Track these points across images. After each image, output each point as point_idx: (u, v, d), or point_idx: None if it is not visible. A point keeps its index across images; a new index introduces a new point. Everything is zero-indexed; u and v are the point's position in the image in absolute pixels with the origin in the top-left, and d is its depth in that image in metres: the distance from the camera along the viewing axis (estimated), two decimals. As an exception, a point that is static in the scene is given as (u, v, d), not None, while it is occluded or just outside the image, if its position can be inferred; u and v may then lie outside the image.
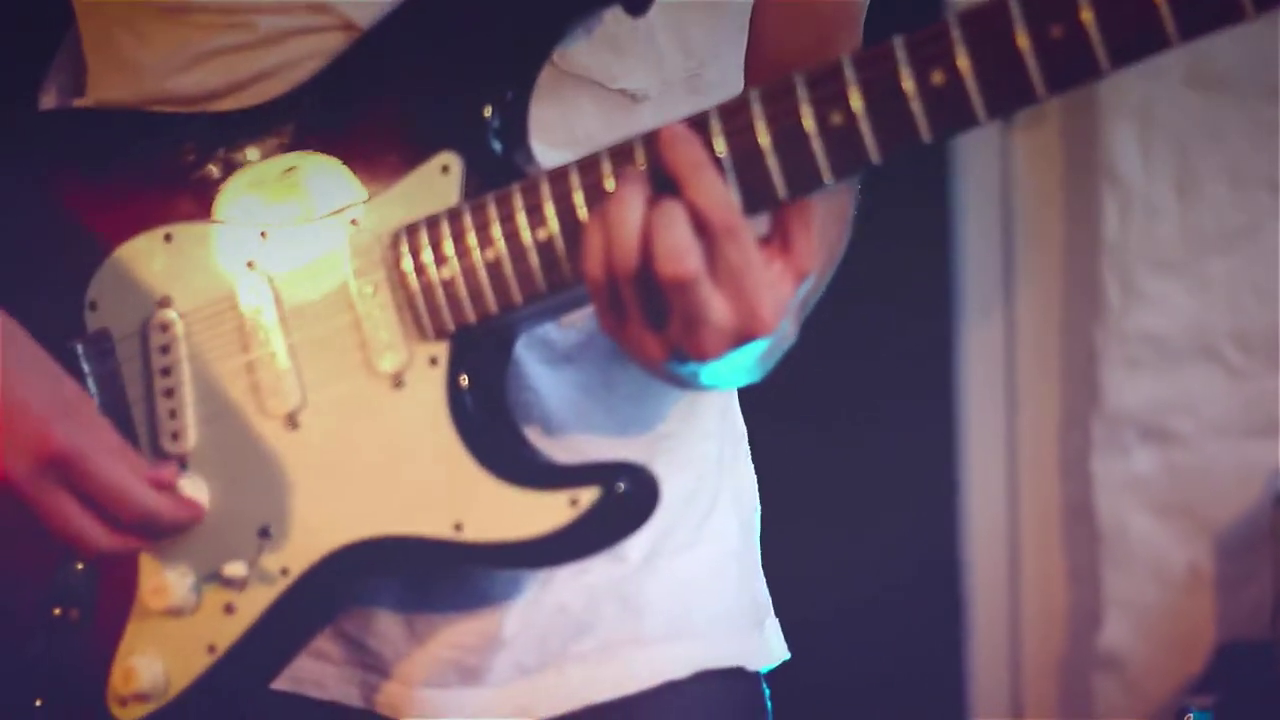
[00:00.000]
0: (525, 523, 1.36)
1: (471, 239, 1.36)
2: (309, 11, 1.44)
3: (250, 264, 1.43)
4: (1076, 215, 3.22)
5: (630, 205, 1.27)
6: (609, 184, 1.31)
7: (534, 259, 1.34)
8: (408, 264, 1.38)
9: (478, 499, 1.37)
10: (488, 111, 1.38)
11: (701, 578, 1.56)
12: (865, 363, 3.29)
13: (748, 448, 1.65)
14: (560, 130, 1.45)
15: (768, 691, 1.60)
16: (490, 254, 1.35)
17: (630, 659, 1.52)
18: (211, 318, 1.44)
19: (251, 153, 1.45)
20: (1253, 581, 3.15)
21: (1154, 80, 3.09)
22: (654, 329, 1.29)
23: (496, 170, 1.37)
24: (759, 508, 1.64)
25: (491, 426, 1.39)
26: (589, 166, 1.32)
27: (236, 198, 1.45)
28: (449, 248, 1.37)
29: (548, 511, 1.36)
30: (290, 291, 1.42)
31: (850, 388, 3.24)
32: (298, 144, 1.43)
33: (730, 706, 1.57)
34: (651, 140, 1.29)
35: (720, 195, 1.25)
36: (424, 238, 1.37)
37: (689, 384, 1.35)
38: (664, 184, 1.27)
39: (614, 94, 1.47)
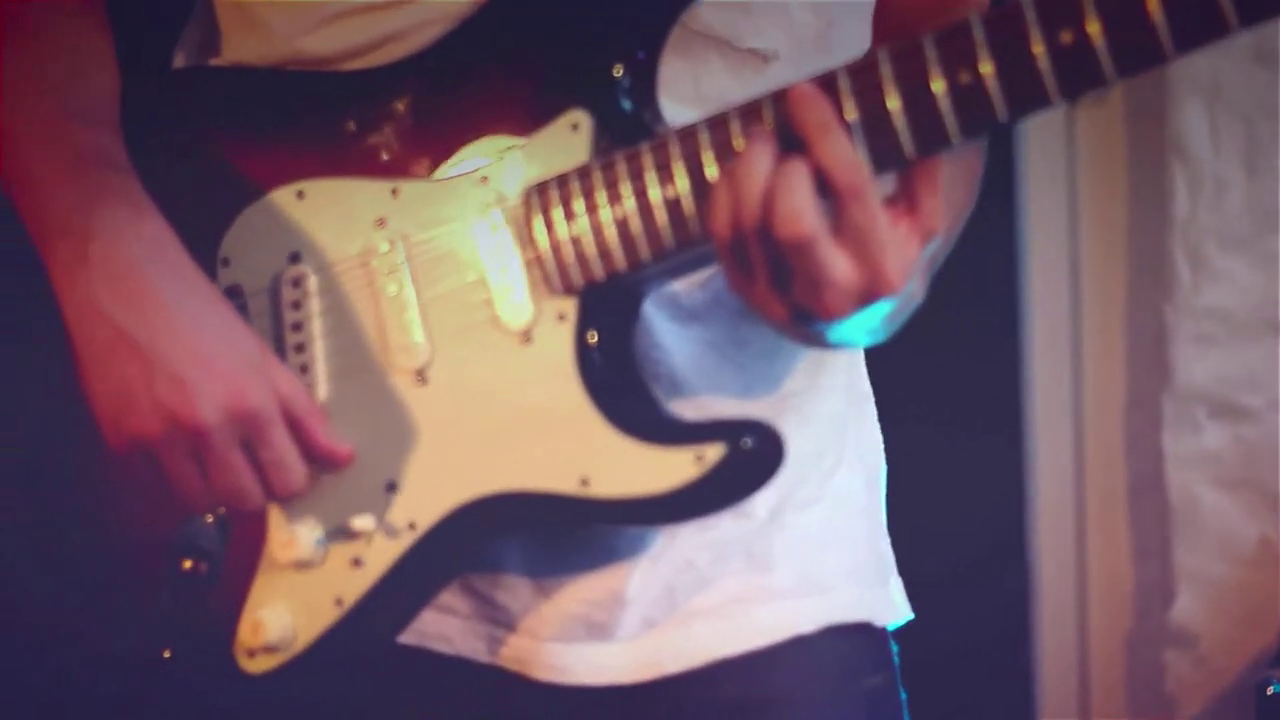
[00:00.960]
0: (651, 479, 1.38)
1: (601, 197, 1.38)
2: None
3: (381, 221, 1.45)
4: (1143, 192, 3.23)
5: (756, 165, 1.28)
6: (737, 143, 1.32)
7: (662, 217, 1.36)
8: (537, 221, 1.40)
9: (604, 455, 1.39)
10: (618, 70, 1.39)
11: (828, 533, 1.57)
12: (932, 342, 3.29)
13: (874, 408, 1.66)
14: (688, 88, 1.46)
15: (895, 648, 1.61)
16: (619, 211, 1.37)
17: (757, 614, 1.53)
18: (342, 273, 1.46)
19: (383, 110, 1.46)
20: (1325, 555, 3.16)
21: (1222, 57, 3.09)
22: (780, 288, 1.30)
23: (626, 128, 1.39)
24: (885, 466, 1.65)
25: (619, 383, 1.41)
26: (717, 125, 1.33)
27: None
28: (578, 205, 1.38)
29: (674, 468, 1.37)
30: (420, 248, 1.44)
31: (917, 367, 3.24)
32: (428, 102, 1.45)
33: (858, 661, 1.57)
34: (780, 99, 1.30)
35: (847, 155, 1.26)
36: (554, 195, 1.39)
37: (816, 342, 1.37)
38: (791, 143, 1.28)
39: (742, 53, 1.48)
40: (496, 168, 1.42)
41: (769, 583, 1.54)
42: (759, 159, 1.28)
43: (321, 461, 1.44)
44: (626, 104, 1.39)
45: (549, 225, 1.39)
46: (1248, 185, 3.16)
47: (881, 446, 1.66)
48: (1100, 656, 3.36)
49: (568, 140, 1.40)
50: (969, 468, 3.31)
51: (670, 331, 1.49)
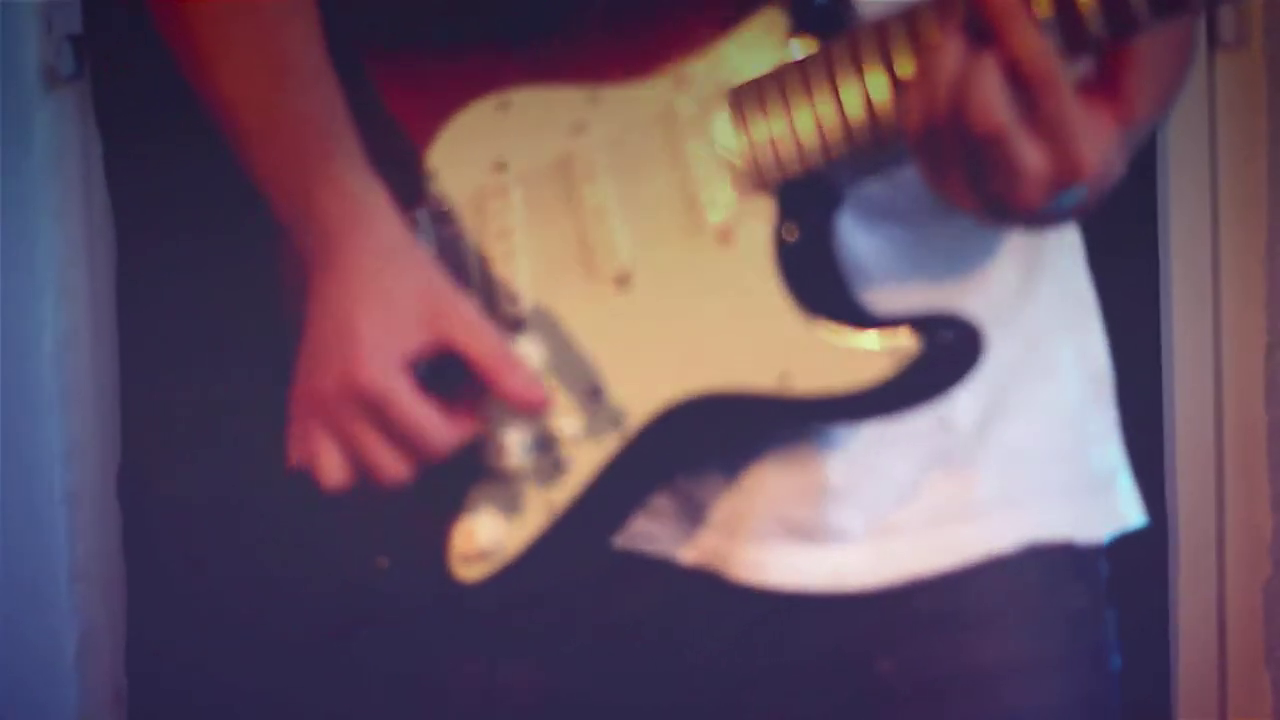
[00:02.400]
0: (849, 373, 1.41)
1: (797, 96, 1.40)
2: None
3: (581, 126, 1.48)
4: (1283, 136, 3.22)
5: (947, 60, 1.30)
6: (929, 36, 1.33)
7: (857, 115, 1.38)
8: (735, 122, 1.42)
9: (804, 351, 1.42)
10: None
11: (1033, 446, 1.57)
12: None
13: (1097, 320, 1.67)
14: None
15: (1106, 567, 1.63)
16: (815, 111, 1.40)
17: (955, 532, 1.54)
18: (545, 180, 1.49)
19: (580, 15, 1.48)
20: None
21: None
22: (973, 181, 1.32)
23: (821, 23, 1.41)
24: (1110, 372, 1.65)
25: (818, 279, 1.44)
26: (911, 19, 1.35)
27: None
28: (775, 104, 1.41)
29: (874, 362, 1.40)
30: (619, 152, 1.47)
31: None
32: (617, 6, 1.47)
33: (1059, 582, 1.57)
34: None
35: (1036, 44, 1.27)
36: (750, 95, 1.42)
37: (1013, 226, 1.38)
38: (982, 36, 1.30)
39: None
40: (693, 68, 1.44)
41: (968, 498, 1.54)
42: (949, 54, 1.30)
43: (516, 410, 1.46)
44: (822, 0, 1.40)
45: (746, 125, 1.42)
46: (1394, 125, 3.15)
47: (1104, 355, 1.66)
48: (1238, 605, 3.35)
49: (764, 38, 1.42)
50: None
51: (860, 231, 1.50)
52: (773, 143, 1.41)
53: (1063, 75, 1.28)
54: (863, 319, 1.43)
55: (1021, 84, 1.28)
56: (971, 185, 1.32)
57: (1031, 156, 1.28)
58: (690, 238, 1.45)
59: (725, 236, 1.44)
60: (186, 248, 2.84)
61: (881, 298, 1.48)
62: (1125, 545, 3.30)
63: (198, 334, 2.83)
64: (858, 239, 1.50)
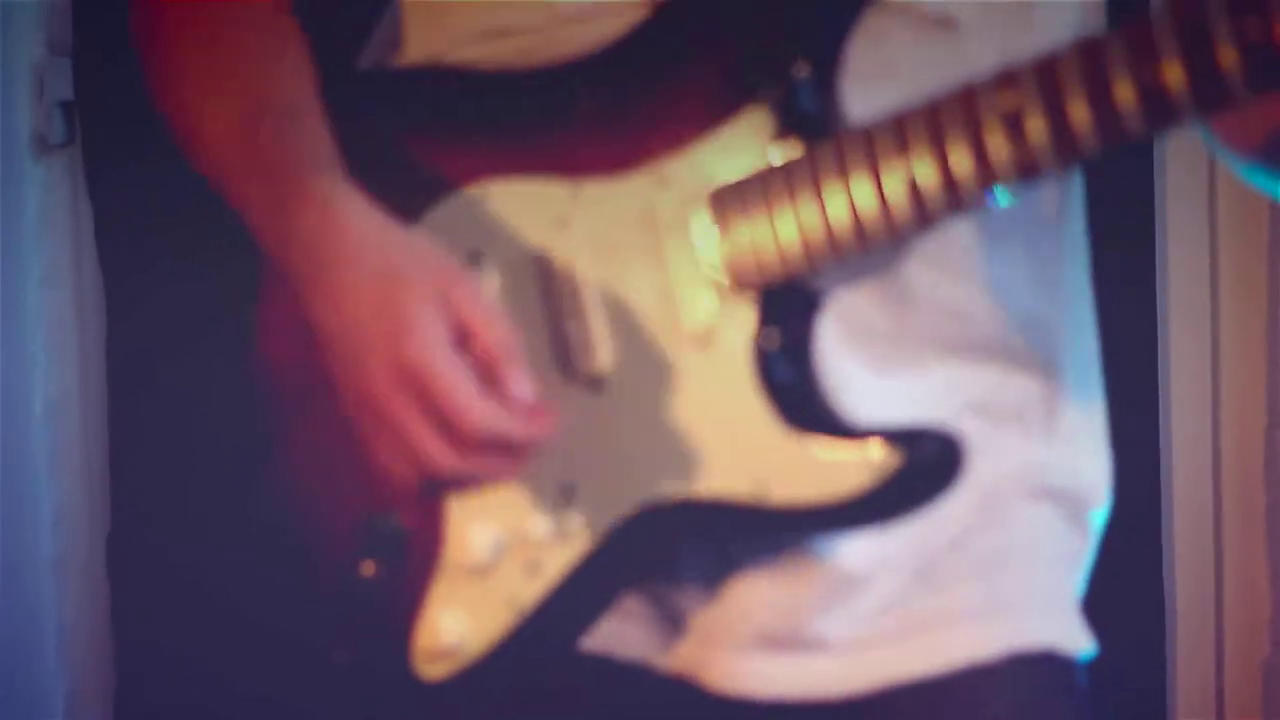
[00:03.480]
0: (827, 485, 1.39)
1: (780, 200, 1.39)
2: None
3: (562, 221, 1.46)
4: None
5: None
6: (915, 142, 1.32)
7: (844, 221, 1.37)
8: (716, 224, 1.40)
9: (782, 460, 1.41)
10: (801, 70, 1.40)
11: (1018, 556, 1.55)
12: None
13: (1101, 435, 1.63)
14: (870, 61, 1.44)
15: (1085, 681, 1.59)
16: (800, 216, 1.38)
17: (938, 639, 1.52)
18: (522, 275, 1.48)
19: (564, 108, 1.47)
20: None
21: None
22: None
23: (808, 128, 1.40)
24: (1105, 494, 1.63)
25: (797, 388, 1.43)
26: (899, 126, 1.35)
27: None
28: (758, 208, 1.40)
29: (853, 474, 1.39)
30: (599, 250, 1.46)
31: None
32: (608, 100, 1.46)
33: (1043, 692, 1.55)
34: (968, 97, 1.30)
35: None
36: (733, 198, 1.41)
37: None
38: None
39: (930, 21, 1.46)
40: (676, 168, 1.43)
41: (950, 606, 1.53)
42: None
43: (509, 406, 1.36)
44: (809, 103, 1.40)
45: (728, 228, 1.41)
46: (1395, 198, 3.13)
47: (1101, 476, 1.63)
48: (1236, 682, 3.33)
49: (748, 140, 1.41)
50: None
51: (845, 338, 1.49)
52: (754, 247, 1.40)
53: None
54: (843, 429, 1.41)
55: None
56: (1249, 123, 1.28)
57: None
58: (669, 340, 1.44)
59: (704, 341, 1.43)
60: (176, 315, 2.85)
61: (863, 407, 1.47)
62: (1122, 625, 3.29)
63: (187, 401, 2.83)
64: (839, 347, 1.49)
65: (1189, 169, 3.27)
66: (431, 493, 1.44)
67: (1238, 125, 1.33)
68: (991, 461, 1.49)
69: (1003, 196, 1.34)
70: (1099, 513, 1.62)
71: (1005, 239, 1.53)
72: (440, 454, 1.33)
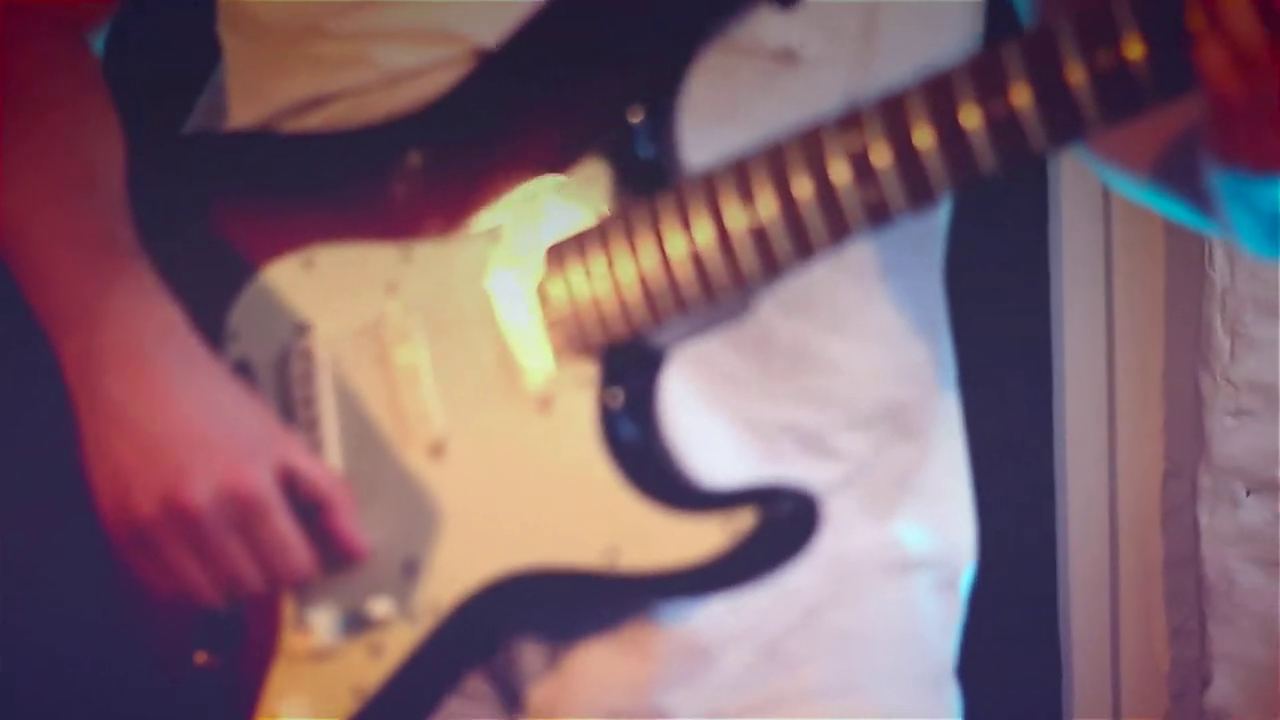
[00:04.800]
0: (682, 548, 1.35)
1: (621, 253, 1.36)
2: (434, 41, 1.43)
3: (393, 286, 1.42)
4: (1181, 257, 3.20)
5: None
6: (759, 187, 1.29)
7: (686, 270, 1.34)
8: (556, 281, 1.38)
9: (632, 525, 1.36)
10: (635, 116, 1.36)
11: (872, 633, 1.51)
12: (964, 410, 3.26)
13: (967, 505, 1.59)
14: (713, 101, 1.41)
15: None
16: (641, 268, 1.35)
17: (787, 718, 1.48)
18: (354, 344, 1.44)
19: (390, 169, 1.43)
20: (1367, 638, 3.12)
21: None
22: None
23: (647, 177, 1.36)
24: (972, 554, 1.58)
25: (645, 448, 1.39)
26: (740, 169, 1.32)
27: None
28: (598, 262, 1.36)
29: (704, 536, 1.35)
30: (434, 314, 1.42)
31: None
32: (437, 158, 1.42)
33: None
34: (811, 138, 1.27)
35: None
36: (572, 253, 1.37)
37: None
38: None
39: (771, 55, 1.43)
40: (511, 225, 1.39)
41: (801, 684, 1.49)
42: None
43: (337, 551, 1.40)
44: (647, 151, 1.36)
45: (568, 285, 1.37)
46: (1290, 252, 3.12)
47: (969, 535, 1.59)
48: (1135, 739, 3.32)
49: (585, 193, 1.37)
50: (1001, 539, 3.28)
51: (693, 393, 1.45)
52: (595, 302, 1.36)
53: None
54: (695, 490, 1.38)
55: None
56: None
57: None
58: (509, 405, 1.40)
59: (546, 403, 1.39)
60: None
61: (717, 464, 1.43)
62: (1018, 682, 3.27)
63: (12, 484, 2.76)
64: (694, 400, 1.45)
65: (1084, 214, 3.26)
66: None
67: (1123, 146, 1.31)
68: (844, 533, 1.45)
69: (855, 239, 1.31)
70: (968, 575, 1.58)
71: (879, 283, 1.49)
72: (209, 590, 1.38)
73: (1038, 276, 3.30)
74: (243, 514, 1.37)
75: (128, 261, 1.44)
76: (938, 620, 1.56)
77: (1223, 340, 3.17)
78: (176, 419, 1.37)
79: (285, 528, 1.38)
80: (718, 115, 1.40)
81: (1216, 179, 1.29)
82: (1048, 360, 3.32)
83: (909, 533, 1.53)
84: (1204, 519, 3.22)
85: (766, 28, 1.40)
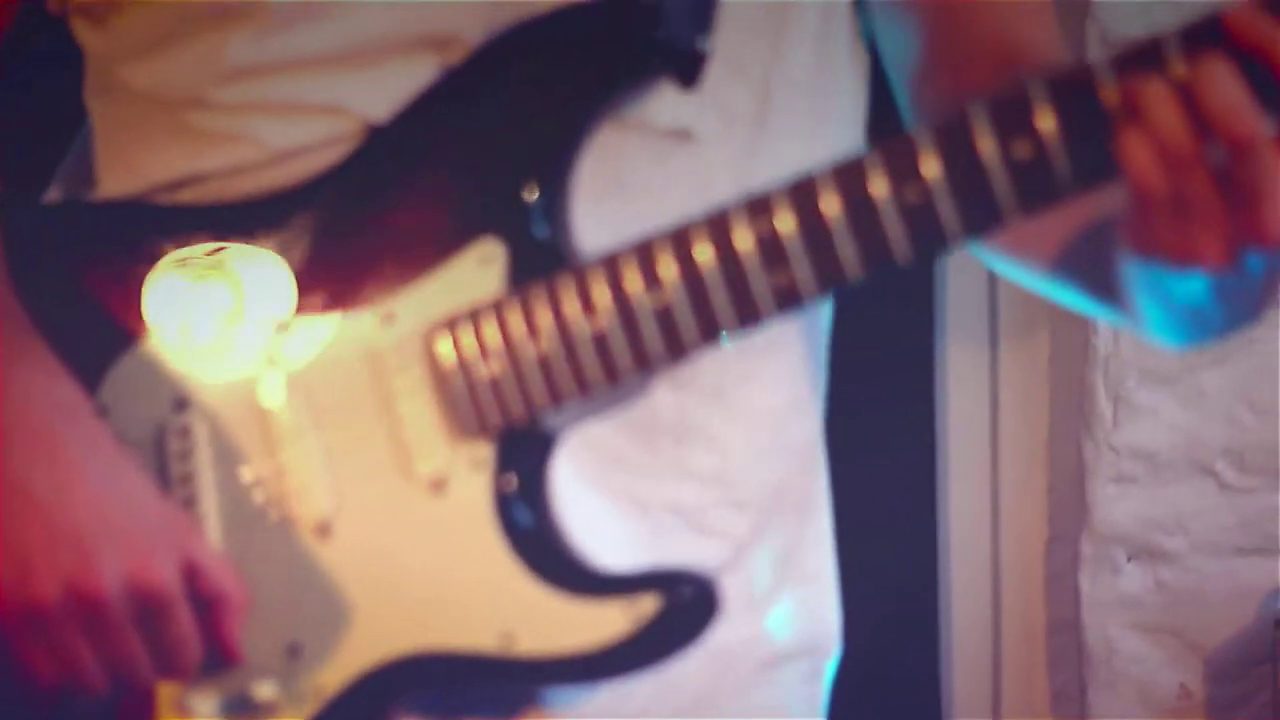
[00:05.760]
0: (580, 633, 1.34)
1: (518, 332, 1.34)
2: (322, 115, 1.41)
3: (274, 361, 1.40)
4: (1065, 323, 3.22)
5: (1160, 87, 1.19)
6: (662, 266, 1.28)
7: (587, 352, 1.33)
8: (449, 360, 1.36)
9: (528, 609, 1.35)
10: (529, 194, 1.35)
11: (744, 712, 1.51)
12: (847, 474, 3.27)
13: (834, 588, 1.59)
14: (608, 183, 1.41)
15: None
16: (539, 348, 1.34)
17: None
18: (233, 420, 1.41)
19: (275, 241, 1.41)
20: (1247, 707, 3.14)
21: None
22: (1216, 221, 1.20)
23: (542, 256, 1.35)
24: (838, 639, 1.58)
25: (540, 531, 1.37)
26: (644, 252, 1.31)
27: (160, 283, 1.40)
28: (494, 342, 1.35)
29: (604, 621, 1.34)
30: (319, 390, 1.40)
31: (834, 498, 3.22)
32: (325, 231, 1.40)
33: None
34: (719, 221, 1.26)
35: None
36: (466, 332, 1.36)
37: (1245, 306, 1.30)
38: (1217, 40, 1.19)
39: (664, 133, 1.42)
40: (403, 303, 1.37)
41: None
42: (1158, 87, 1.18)
43: (216, 650, 1.37)
44: (542, 229, 1.35)
45: (462, 365, 1.36)
46: (1173, 320, 3.14)
47: (836, 620, 1.59)
48: (1015, 804, 3.33)
49: (480, 273, 1.36)
50: (885, 602, 3.29)
51: (590, 478, 1.45)
52: (491, 383, 1.35)
53: None
54: (592, 574, 1.37)
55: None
56: (1213, 226, 1.20)
57: None
58: (400, 486, 1.38)
59: (439, 486, 1.37)
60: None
61: (605, 548, 1.42)
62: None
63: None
64: (587, 484, 1.44)
65: (970, 279, 3.28)
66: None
67: (1025, 237, 1.31)
68: (726, 619, 1.45)
69: (764, 323, 1.30)
70: (833, 663, 1.60)
71: (763, 360, 1.49)
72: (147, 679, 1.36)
73: (922, 341, 3.32)
74: (147, 607, 1.34)
75: (26, 338, 1.41)
76: (806, 709, 1.57)
77: (1106, 406, 3.18)
78: (84, 503, 1.34)
79: (186, 624, 1.36)
80: (609, 193, 1.40)
81: (1130, 270, 1.28)
82: (931, 424, 3.33)
83: (782, 618, 1.53)
84: (1085, 585, 3.23)
85: (660, 106, 1.40)
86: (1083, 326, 3.19)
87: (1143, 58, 1.19)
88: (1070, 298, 1.43)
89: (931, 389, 3.31)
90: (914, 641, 3.35)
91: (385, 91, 1.39)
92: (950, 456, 3.33)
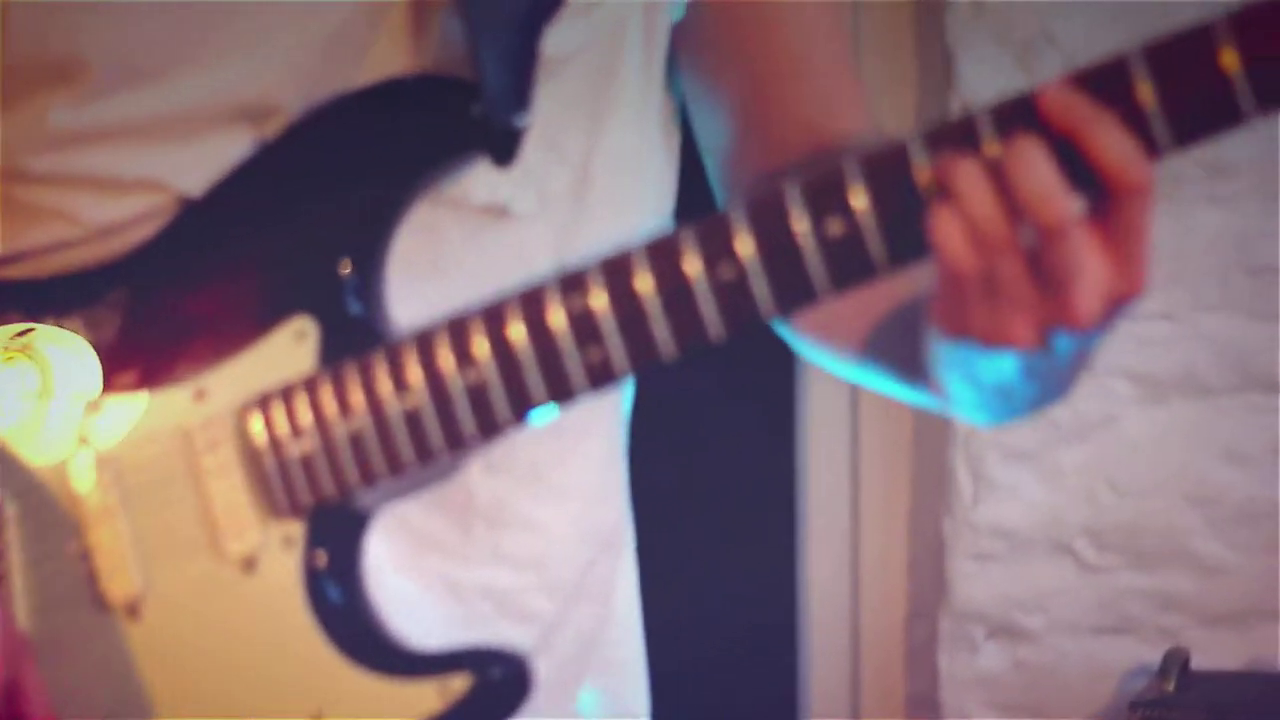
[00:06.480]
0: (391, 713, 1.33)
1: (330, 410, 1.33)
2: (137, 190, 1.39)
3: (84, 438, 1.38)
4: (927, 400, 3.23)
5: (972, 167, 1.17)
6: (477, 345, 1.28)
7: (400, 430, 1.32)
8: (260, 438, 1.35)
9: (339, 689, 1.34)
10: (344, 269, 1.34)
11: None
12: (708, 546, 3.28)
13: (643, 673, 1.58)
14: (423, 259, 1.39)
15: None
16: (351, 425, 1.33)
17: None
18: (43, 501, 1.39)
19: (76, 323, 1.39)
20: (1104, 786, 3.16)
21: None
22: (1026, 304, 1.19)
23: (356, 333, 1.34)
24: None
25: (351, 609, 1.36)
26: (458, 328, 1.29)
27: None
28: (306, 419, 1.34)
29: (415, 700, 1.32)
30: (129, 469, 1.38)
31: (692, 569, 3.22)
32: (137, 307, 1.38)
33: None
34: (532, 298, 1.26)
35: (1131, 147, 1.15)
36: (278, 410, 1.34)
37: (1053, 384, 1.28)
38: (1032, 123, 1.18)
39: (479, 211, 1.41)
40: (215, 380, 1.36)
41: None
42: (969, 167, 1.17)
43: None
44: (355, 306, 1.34)
45: (274, 443, 1.34)
46: (1033, 397, 3.16)
47: (643, 706, 1.58)
48: None
49: (293, 350, 1.35)
50: (743, 673, 3.29)
51: (404, 558, 1.43)
52: (303, 461, 1.34)
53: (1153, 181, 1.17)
54: (403, 654, 1.35)
55: (1106, 186, 1.16)
56: (1021, 309, 1.18)
57: (1095, 261, 1.16)
58: (210, 563, 1.36)
59: (249, 564, 1.35)
60: None
61: (419, 629, 1.39)
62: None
63: None
64: (390, 566, 1.43)
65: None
66: None
67: (831, 321, 1.30)
68: (534, 703, 1.44)
69: (577, 400, 1.29)
70: None
71: (576, 442, 1.49)
72: None
73: (785, 414, 3.33)
74: None
75: None
76: None
77: (965, 483, 3.20)
78: None
79: None
80: (424, 269, 1.38)
81: (939, 350, 1.28)
82: (793, 498, 3.34)
83: (590, 704, 1.52)
84: (944, 663, 3.24)
85: (476, 183, 1.39)
86: (944, 402, 3.20)
87: (957, 136, 1.18)
88: (878, 381, 1.43)
89: (794, 462, 3.32)
90: (773, 717, 3.35)
91: (202, 165, 1.38)
92: (811, 531, 3.34)
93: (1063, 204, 1.15)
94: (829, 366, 1.49)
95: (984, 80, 3.08)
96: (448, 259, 1.40)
